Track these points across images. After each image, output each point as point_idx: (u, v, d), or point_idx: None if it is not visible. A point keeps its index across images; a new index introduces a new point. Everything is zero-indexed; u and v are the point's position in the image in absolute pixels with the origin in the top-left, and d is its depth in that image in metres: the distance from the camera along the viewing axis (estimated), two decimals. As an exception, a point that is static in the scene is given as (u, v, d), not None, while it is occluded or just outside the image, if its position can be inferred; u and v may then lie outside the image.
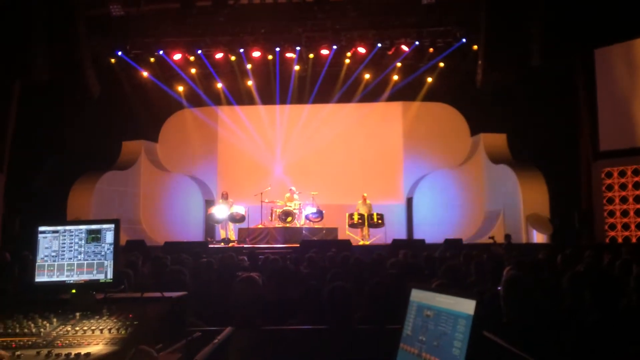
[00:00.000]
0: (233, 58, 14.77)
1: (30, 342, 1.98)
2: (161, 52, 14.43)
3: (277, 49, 14.44)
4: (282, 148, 16.37)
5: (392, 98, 15.96)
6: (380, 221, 13.51)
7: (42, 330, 2.08)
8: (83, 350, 1.87)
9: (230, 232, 13.83)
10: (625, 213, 12.56)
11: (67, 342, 1.98)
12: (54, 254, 2.37)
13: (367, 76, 15.44)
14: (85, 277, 2.35)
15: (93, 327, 2.07)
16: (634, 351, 2.59)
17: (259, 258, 7.10)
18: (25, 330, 2.07)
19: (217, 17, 13.27)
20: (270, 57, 14.74)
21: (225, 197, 13.70)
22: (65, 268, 2.36)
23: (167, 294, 2.38)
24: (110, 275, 2.36)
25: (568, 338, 2.78)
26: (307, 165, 15.94)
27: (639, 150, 12.33)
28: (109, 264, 2.36)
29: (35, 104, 12.80)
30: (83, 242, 2.38)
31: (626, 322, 2.98)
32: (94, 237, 2.38)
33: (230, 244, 12.83)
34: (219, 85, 15.91)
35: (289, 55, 14.61)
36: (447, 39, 14.10)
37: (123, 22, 13.36)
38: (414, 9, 13.33)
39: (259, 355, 2.63)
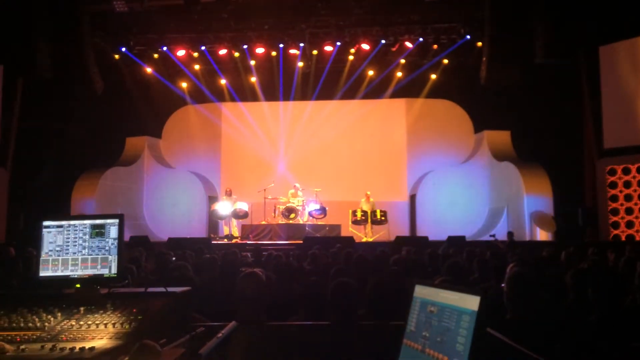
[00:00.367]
0: (237, 54, 14.76)
1: (34, 336, 1.99)
2: (165, 49, 14.44)
3: (281, 46, 14.43)
4: (285, 144, 16.35)
5: (395, 95, 15.90)
6: (383, 218, 13.50)
7: (46, 324, 2.09)
8: (87, 345, 1.88)
9: (234, 229, 13.83)
10: (629, 211, 12.50)
11: (71, 336, 1.99)
12: (58, 248, 2.38)
13: (370, 73, 15.38)
14: (90, 271, 2.36)
15: (97, 322, 2.08)
16: (638, 348, 2.59)
17: (262, 254, 7.12)
18: (30, 325, 2.09)
19: (221, 14, 13.25)
20: (273, 53, 14.73)
21: (229, 194, 13.69)
22: (70, 263, 2.37)
23: (170, 289, 2.39)
24: (114, 270, 2.37)
25: (571, 335, 2.78)
26: (311, 161, 15.92)
27: (644, 148, 12.30)
28: (113, 259, 2.37)
29: (39, 100, 12.84)
30: (87, 237, 2.38)
31: (630, 319, 2.98)
32: (98, 232, 2.38)
33: (234, 240, 12.84)
34: (223, 81, 15.89)
35: (292, 51, 14.60)
36: (451, 35, 14.05)
37: (127, 18, 13.37)
38: (418, 5, 13.33)
39: (262, 351, 2.63)
